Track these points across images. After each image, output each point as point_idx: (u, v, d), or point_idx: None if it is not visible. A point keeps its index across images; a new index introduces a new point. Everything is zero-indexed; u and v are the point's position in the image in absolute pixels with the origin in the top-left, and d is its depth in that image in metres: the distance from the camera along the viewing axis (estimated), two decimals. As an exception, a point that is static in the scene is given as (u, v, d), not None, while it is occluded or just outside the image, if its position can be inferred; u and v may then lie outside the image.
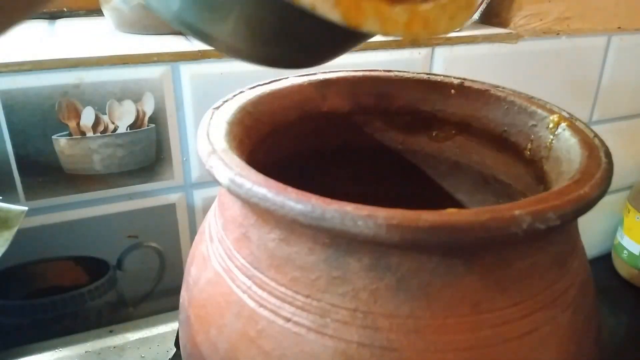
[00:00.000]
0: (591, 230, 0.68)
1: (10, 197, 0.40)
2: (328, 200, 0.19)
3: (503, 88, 0.32)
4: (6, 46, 0.40)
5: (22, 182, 0.40)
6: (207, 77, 0.42)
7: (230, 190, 0.21)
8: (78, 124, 0.40)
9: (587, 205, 0.20)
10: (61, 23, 0.49)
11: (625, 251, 0.64)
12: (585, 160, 0.23)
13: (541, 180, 0.28)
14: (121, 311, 0.47)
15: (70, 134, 0.40)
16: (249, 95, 0.30)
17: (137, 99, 0.41)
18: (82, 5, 0.51)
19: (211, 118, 0.26)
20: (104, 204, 0.43)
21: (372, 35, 0.18)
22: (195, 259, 0.27)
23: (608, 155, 0.24)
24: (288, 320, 0.21)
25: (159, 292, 0.48)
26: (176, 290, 0.31)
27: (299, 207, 0.19)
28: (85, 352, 0.41)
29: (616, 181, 0.38)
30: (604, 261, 0.68)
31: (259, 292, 0.22)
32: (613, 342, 0.56)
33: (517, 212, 0.18)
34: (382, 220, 0.18)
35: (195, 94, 0.43)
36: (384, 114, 0.34)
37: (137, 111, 0.41)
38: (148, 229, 0.45)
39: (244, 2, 0.17)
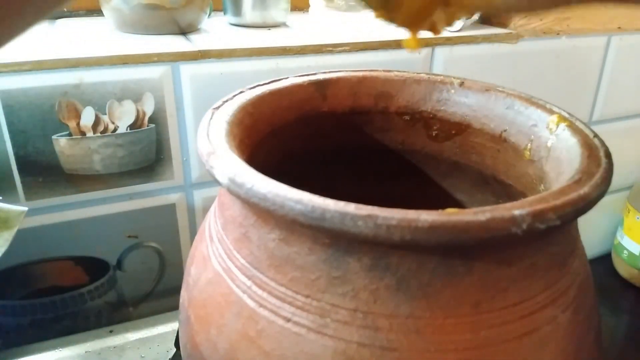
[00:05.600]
0: (591, 230, 0.68)
1: (10, 197, 0.40)
2: (328, 200, 0.19)
3: (503, 88, 0.32)
4: (6, 46, 0.40)
5: (22, 182, 0.40)
6: (207, 77, 0.42)
7: (230, 190, 0.21)
8: (78, 124, 0.40)
9: (587, 205, 0.20)
10: (61, 23, 0.49)
11: (625, 251, 0.64)
12: (585, 160, 0.23)
13: (541, 180, 0.28)
14: (121, 311, 0.47)
15: (70, 134, 0.40)
16: (249, 95, 0.30)
17: (137, 99, 0.41)
18: (82, 5, 0.51)
19: (211, 118, 0.26)
20: (104, 204, 0.43)
21: None
22: (195, 259, 0.27)
23: (608, 155, 0.24)
24: (288, 320, 0.21)
25: (159, 292, 0.48)
26: (176, 290, 0.31)
27: (299, 207, 0.19)
28: (86, 352, 0.41)
29: (616, 181, 0.38)
30: (604, 261, 0.68)
31: (259, 292, 0.22)
32: (613, 342, 0.56)
33: (517, 212, 0.18)
34: (382, 220, 0.18)
35: (195, 94, 0.43)
36: (384, 113, 0.34)
37: (137, 111, 0.41)
38: (148, 229, 0.45)
39: None
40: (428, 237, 0.18)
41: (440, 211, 0.18)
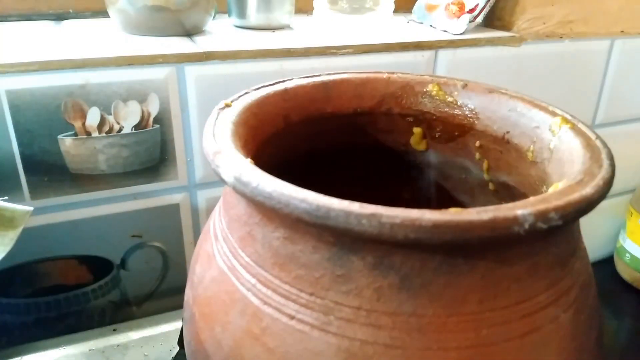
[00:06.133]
0: (594, 233, 0.68)
1: (16, 196, 0.40)
2: (332, 199, 0.19)
3: (506, 90, 0.32)
4: (13, 46, 0.41)
5: (27, 181, 0.40)
6: (212, 79, 0.43)
7: (235, 189, 0.21)
8: (84, 124, 0.40)
9: (588, 205, 0.20)
10: (67, 24, 0.49)
11: (627, 254, 0.64)
12: (587, 161, 0.24)
13: (543, 182, 0.28)
14: (125, 310, 0.48)
15: (75, 134, 0.40)
16: (254, 96, 0.30)
17: (142, 100, 0.41)
18: (88, 6, 0.52)
19: (217, 118, 0.27)
20: (109, 204, 0.43)
21: None
22: (199, 257, 0.27)
23: (610, 156, 0.24)
24: (292, 317, 0.21)
25: (162, 292, 0.48)
26: (179, 289, 0.31)
27: (304, 205, 0.19)
28: (89, 350, 0.41)
29: (619, 184, 0.38)
30: (607, 264, 0.68)
31: (263, 289, 0.22)
32: (615, 345, 0.56)
33: (519, 211, 0.19)
34: (385, 219, 0.18)
35: (200, 95, 0.43)
36: (388, 115, 0.35)
37: (142, 112, 0.42)
38: (152, 229, 0.46)
39: None
40: (431, 236, 0.18)
41: (443, 210, 0.19)
